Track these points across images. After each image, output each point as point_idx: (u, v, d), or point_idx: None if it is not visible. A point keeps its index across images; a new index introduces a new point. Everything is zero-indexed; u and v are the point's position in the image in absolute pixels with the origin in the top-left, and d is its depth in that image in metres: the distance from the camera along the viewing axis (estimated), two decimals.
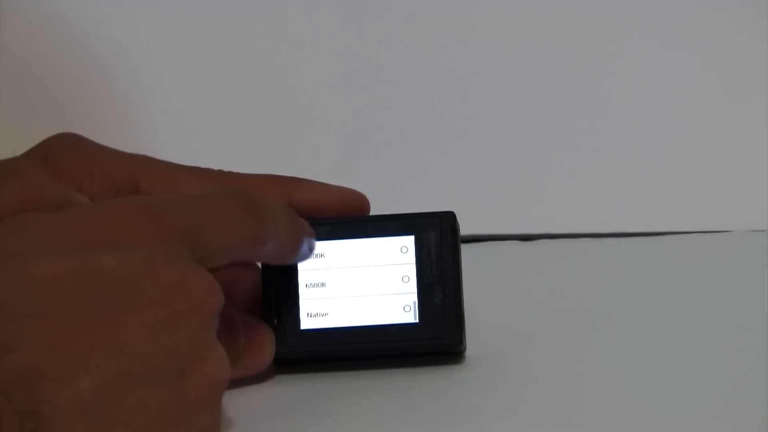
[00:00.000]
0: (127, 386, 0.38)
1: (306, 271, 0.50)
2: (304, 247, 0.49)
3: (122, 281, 0.39)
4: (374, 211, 0.52)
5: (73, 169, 0.48)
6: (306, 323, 0.50)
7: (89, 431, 0.37)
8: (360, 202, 0.52)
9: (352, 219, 0.51)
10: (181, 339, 0.39)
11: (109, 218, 0.41)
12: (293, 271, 0.51)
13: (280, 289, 0.50)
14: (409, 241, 0.50)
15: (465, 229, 0.52)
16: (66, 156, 0.48)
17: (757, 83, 0.79)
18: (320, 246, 0.50)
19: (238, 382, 0.49)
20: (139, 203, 0.41)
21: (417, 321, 0.50)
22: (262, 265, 0.51)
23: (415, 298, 0.50)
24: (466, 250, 0.51)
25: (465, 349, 0.51)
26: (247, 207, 0.44)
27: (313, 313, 0.50)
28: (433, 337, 0.50)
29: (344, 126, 0.82)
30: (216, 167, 0.51)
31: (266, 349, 0.49)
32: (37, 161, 0.47)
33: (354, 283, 0.50)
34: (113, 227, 0.40)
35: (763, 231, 0.75)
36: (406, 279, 0.50)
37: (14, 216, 0.41)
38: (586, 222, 0.78)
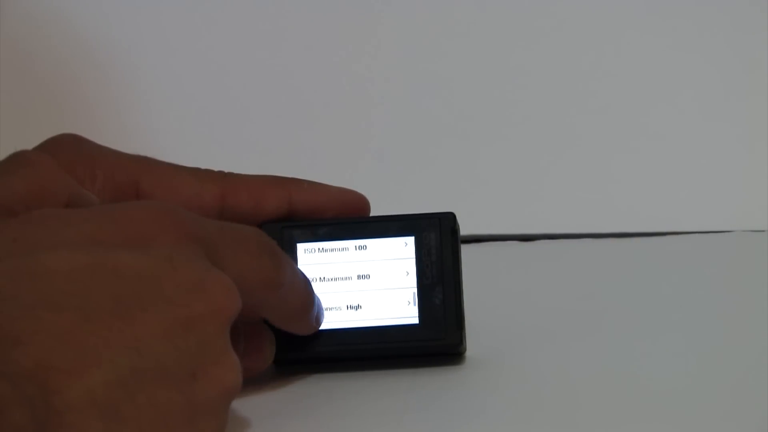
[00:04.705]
0: (139, 384, 0.38)
1: (306, 270, 0.50)
2: (314, 314, 0.49)
3: (140, 279, 0.39)
4: (374, 211, 0.52)
5: (74, 169, 0.48)
6: None
7: (98, 426, 0.37)
8: (360, 202, 0.52)
9: (352, 220, 0.51)
10: (196, 341, 0.39)
11: (130, 218, 0.41)
12: None
13: None
14: (409, 241, 0.50)
15: (465, 229, 0.52)
16: (67, 157, 0.48)
17: (758, 83, 0.79)
18: (322, 245, 0.51)
19: None
20: (161, 206, 0.41)
21: (417, 322, 0.50)
22: None
23: (415, 298, 0.50)
24: (466, 250, 0.51)
25: (465, 350, 0.51)
26: (267, 250, 0.45)
27: None
28: (433, 338, 0.50)
29: (344, 126, 0.82)
30: (216, 168, 0.51)
31: (266, 350, 0.49)
32: None
33: (354, 285, 0.50)
34: (134, 227, 0.40)
35: (763, 231, 0.75)
36: (406, 279, 0.50)
37: (34, 211, 0.41)
38: (586, 222, 0.78)
